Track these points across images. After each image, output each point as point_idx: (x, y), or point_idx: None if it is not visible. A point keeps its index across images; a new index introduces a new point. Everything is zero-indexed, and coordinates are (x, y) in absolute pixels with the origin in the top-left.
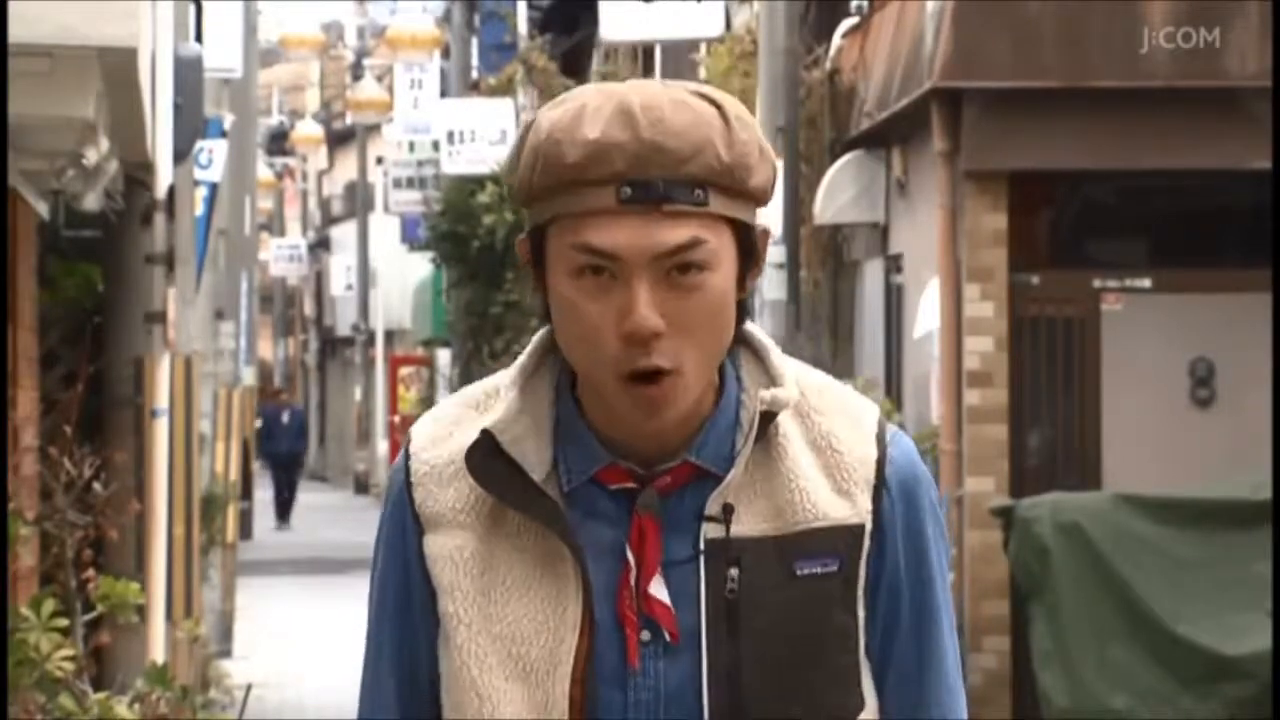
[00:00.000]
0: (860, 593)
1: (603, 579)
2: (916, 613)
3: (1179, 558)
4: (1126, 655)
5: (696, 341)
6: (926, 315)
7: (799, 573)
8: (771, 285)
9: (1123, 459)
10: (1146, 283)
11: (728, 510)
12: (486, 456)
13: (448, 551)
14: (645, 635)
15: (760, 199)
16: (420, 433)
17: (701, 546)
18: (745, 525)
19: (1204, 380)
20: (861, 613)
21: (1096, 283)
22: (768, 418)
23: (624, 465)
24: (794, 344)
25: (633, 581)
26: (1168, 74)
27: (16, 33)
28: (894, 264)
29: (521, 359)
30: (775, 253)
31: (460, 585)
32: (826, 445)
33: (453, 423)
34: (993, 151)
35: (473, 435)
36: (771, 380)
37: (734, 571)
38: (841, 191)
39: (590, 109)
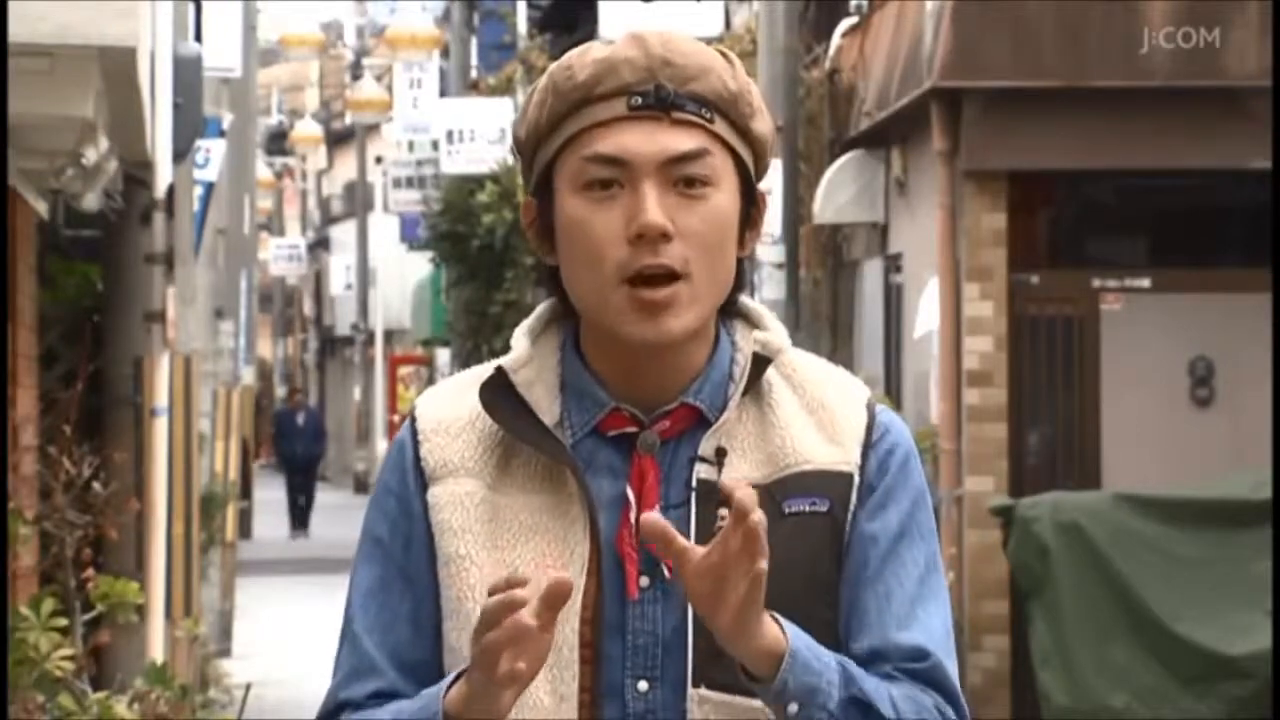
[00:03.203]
0: (843, 545)
1: (605, 530)
2: (883, 560)
3: (1179, 557)
4: (1126, 654)
5: (702, 252)
6: (926, 314)
7: (787, 510)
8: (771, 285)
9: (1122, 458)
10: (1146, 282)
11: (720, 453)
12: (499, 395)
13: (457, 497)
14: (644, 581)
15: (760, 152)
16: (426, 399)
17: (694, 486)
18: (738, 471)
19: (1203, 380)
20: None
21: (1096, 282)
22: (761, 364)
23: (625, 410)
24: (794, 343)
25: (632, 519)
26: (1167, 74)
27: (16, 32)
28: (893, 263)
29: (529, 320)
30: (775, 252)
31: (472, 528)
32: (819, 406)
33: (457, 392)
34: (992, 151)
35: (476, 401)
36: (760, 334)
37: (724, 511)
38: (841, 191)
39: (600, 43)
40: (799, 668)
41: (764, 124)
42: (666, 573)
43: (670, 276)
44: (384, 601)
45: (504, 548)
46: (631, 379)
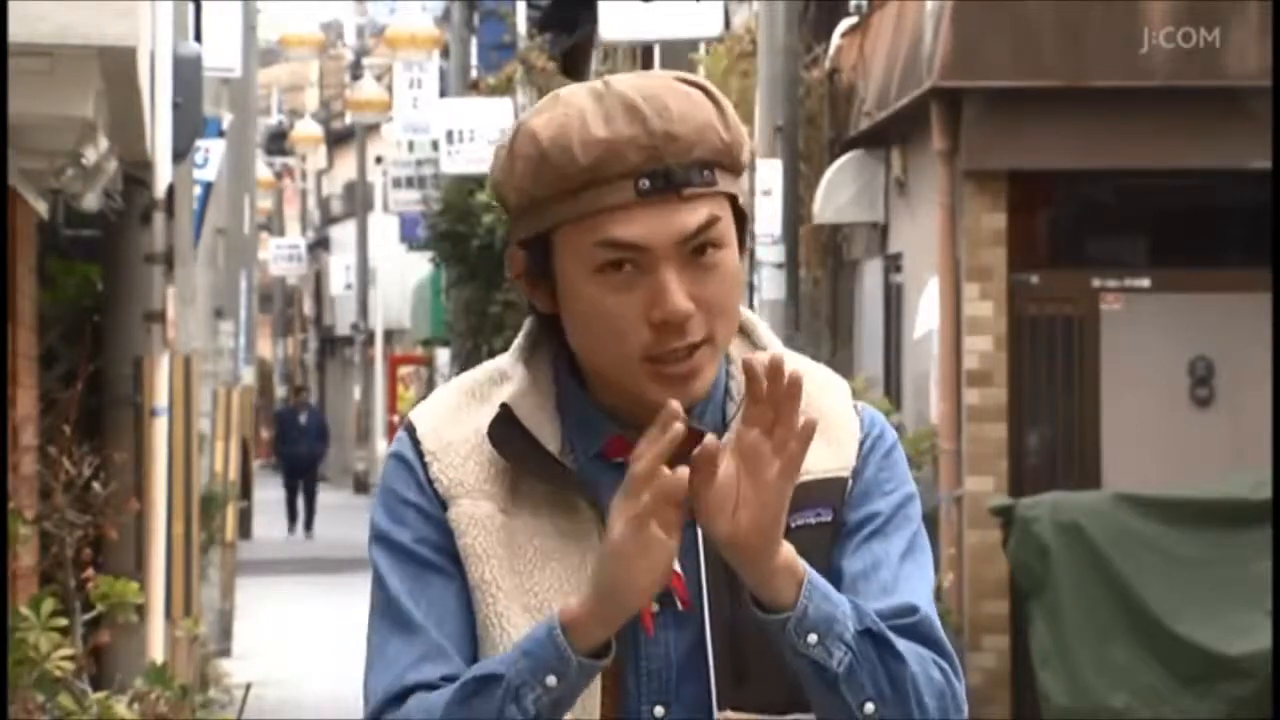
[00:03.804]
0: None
1: None
2: (868, 539)
3: (1179, 557)
4: (1126, 654)
5: (721, 314)
6: (926, 314)
7: (794, 525)
8: (771, 285)
9: (1122, 458)
10: (1146, 282)
11: None
12: (506, 429)
13: (478, 520)
14: (654, 608)
15: (743, 169)
16: (424, 416)
17: None
18: None
19: (1203, 380)
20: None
21: (1096, 282)
22: None
23: (629, 437)
24: (794, 344)
25: None
26: (1167, 74)
27: (16, 32)
28: (893, 263)
29: (518, 342)
30: (775, 252)
31: (495, 552)
32: (811, 411)
33: (455, 408)
34: (992, 151)
35: (479, 418)
36: (758, 350)
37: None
38: (841, 191)
39: (590, 111)
40: (818, 595)
41: (747, 146)
42: (679, 604)
43: (694, 347)
44: (432, 597)
45: (522, 573)
46: (634, 408)
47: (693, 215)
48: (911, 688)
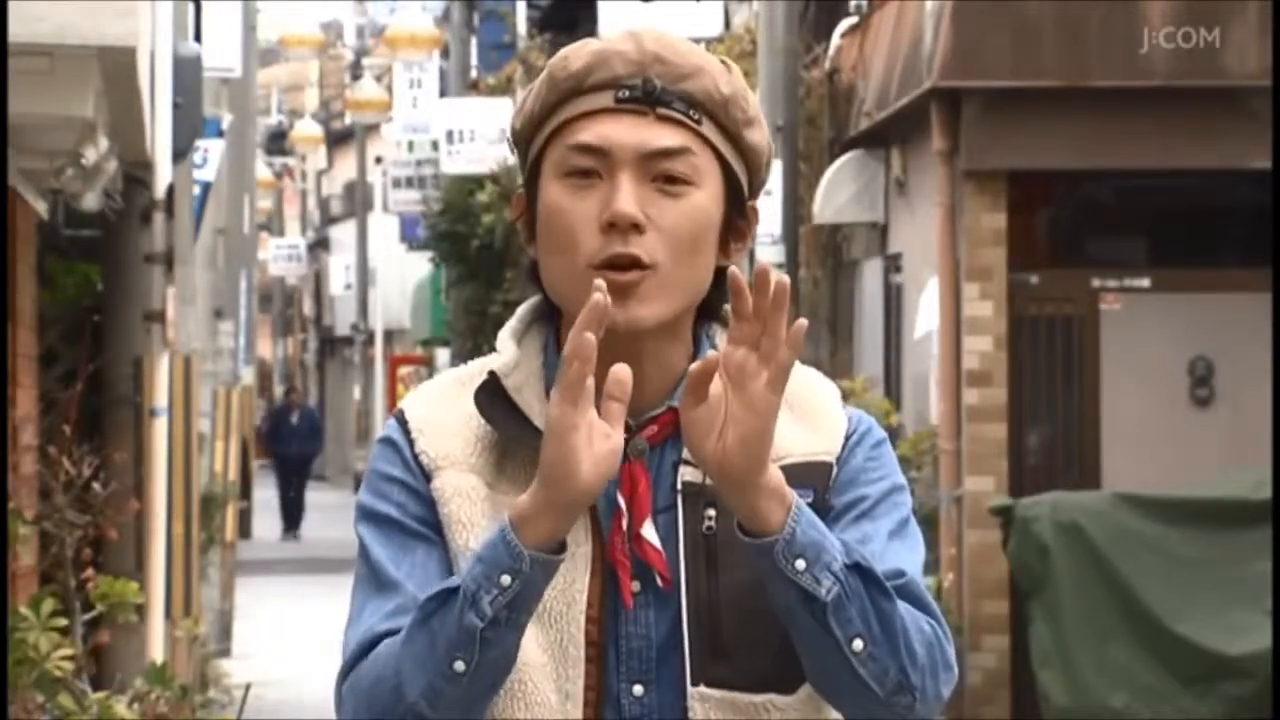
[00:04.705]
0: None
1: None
2: (857, 520)
3: (1179, 557)
4: (1126, 654)
5: (675, 248)
6: (926, 315)
7: None
8: None
9: (1122, 458)
10: (1145, 282)
11: None
12: (493, 398)
13: (463, 490)
14: (635, 586)
15: (753, 164)
16: (413, 400)
17: (679, 489)
18: None
19: (1203, 379)
20: None
21: (1095, 282)
22: None
23: None
24: None
25: (625, 525)
26: (1167, 74)
27: (16, 32)
28: (893, 263)
29: (511, 324)
30: (775, 252)
31: (478, 522)
32: (799, 403)
33: (445, 394)
34: (992, 151)
35: (467, 402)
36: None
37: (711, 511)
38: (841, 191)
39: (596, 40)
40: (805, 521)
41: (759, 135)
42: (660, 582)
43: (638, 264)
44: (414, 560)
45: None
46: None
47: (662, 135)
48: (901, 630)
